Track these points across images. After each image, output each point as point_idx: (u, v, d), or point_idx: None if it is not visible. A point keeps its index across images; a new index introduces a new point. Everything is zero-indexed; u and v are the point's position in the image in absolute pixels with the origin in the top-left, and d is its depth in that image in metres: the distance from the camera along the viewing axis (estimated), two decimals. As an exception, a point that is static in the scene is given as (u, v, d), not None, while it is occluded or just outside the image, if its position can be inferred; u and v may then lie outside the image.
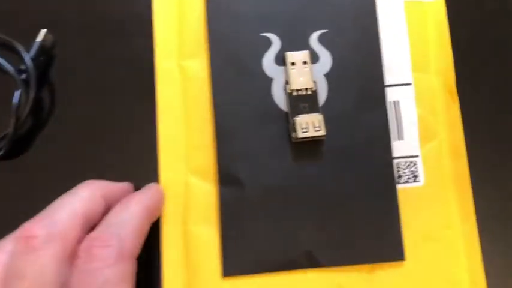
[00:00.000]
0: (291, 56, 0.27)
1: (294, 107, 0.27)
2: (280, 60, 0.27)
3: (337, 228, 0.26)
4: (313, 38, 0.28)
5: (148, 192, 0.26)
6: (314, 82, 0.27)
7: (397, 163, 0.27)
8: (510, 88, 0.29)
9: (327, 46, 0.28)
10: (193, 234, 0.27)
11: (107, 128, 0.28)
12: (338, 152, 0.27)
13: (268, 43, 0.28)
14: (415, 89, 0.28)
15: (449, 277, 0.27)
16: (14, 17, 0.29)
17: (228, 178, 0.27)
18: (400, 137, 0.28)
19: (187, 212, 0.27)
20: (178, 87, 0.28)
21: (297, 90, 0.27)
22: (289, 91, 0.27)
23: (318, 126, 0.26)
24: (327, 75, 0.27)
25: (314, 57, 0.28)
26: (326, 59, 0.28)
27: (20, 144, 0.28)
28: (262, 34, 0.28)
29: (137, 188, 0.27)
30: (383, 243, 0.26)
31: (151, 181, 0.27)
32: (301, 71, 0.27)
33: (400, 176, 0.27)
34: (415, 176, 0.27)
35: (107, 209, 0.24)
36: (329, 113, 0.27)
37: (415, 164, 0.27)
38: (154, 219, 0.25)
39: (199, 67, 0.28)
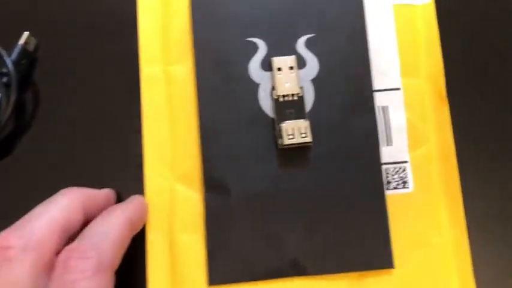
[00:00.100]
0: (277, 61, 0.27)
1: (280, 113, 0.26)
2: (267, 65, 0.27)
3: (325, 235, 0.26)
4: (300, 43, 0.27)
5: (131, 204, 0.25)
6: (301, 88, 0.27)
7: (386, 169, 0.27)
8: (500, 92, 0.28)
9: (314, 51, 0.27)
10: (178, 242, 0.26)
11: (90, 133, 0.28)
12: (325, 158, 0.27)
13: (254, 48, 0.27)
14: (404, 93, 0.28)
15: (439, 285, 0.26)
16: (-5, 20, 0.29)
17: (213, 185, 0.26)
18: (389, 142, 0.27)
19: (172, 219, 0.26)
20: (163, 93, 0.27)
21: (283, 96, 0.26)
22: (276, 97, 0.27)
23: (304, 133, 0.26)
24: (314, 81, 0.27)
25: (301, 63, 0.27)
26: (313, 64, 0.27)
27: (0, 149, 0.28)
28: (248, 39, 0.27)
29: (120, 195, 0.27)
30: (371, 251, 0.26)
31: (136, 188, 0.27)
32: (288, 76, 0.27)
33: (388, 182, 0.27)
34: (404, 182, 0.27)
35: (87, 218, 0.24)
36: (316, 119, 0.27)
37: (404, 170, 0.27)
38: (136, 231, 0.25)
39: (184, 72, 0.27)
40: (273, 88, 0.27)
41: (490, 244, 0.27)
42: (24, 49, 0.27)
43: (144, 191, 0.27)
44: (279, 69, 0.27)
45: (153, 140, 0.27)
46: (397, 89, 0.28)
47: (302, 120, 0.26)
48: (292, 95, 0.26)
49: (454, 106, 0.28)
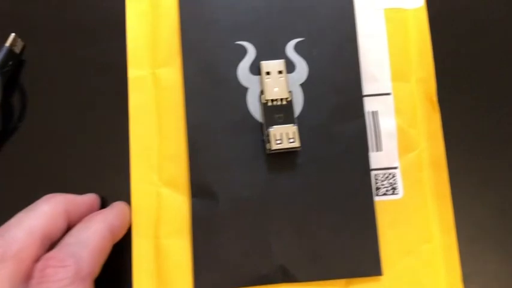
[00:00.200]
0: (266, 65, 0.26)
1: (268, 118, 0.26)
2: (256, 69, 0.27)
3: (313, 241, 0.26)
4: (290, 47, 0.27)
5: (112, 210, 0.25)
6: (290, 92, 0.26)
7: (375, 175, 0.27)
8: (491, 98, 0.28)
9: (303, 55, 0.27)
10: (165, 247, 0.26)
11: (77, 137, 0.27)
12: (314, 163, 0.26)
13: (243, 52, 0.27)
14: (394, 98, 0.27)
15: (428, 292, 0.26)
16: (-19, 22, 0.28)
17: (200, 190, 0.26)
18: (379, 148, 0.27)
19: (159, 224, 0.26)
20: (151, 96, 0.27)
21: (272, 100, 0.26)
22: (264, 101, 0.26)
23: (292, 138, 0.25)
24: (303, 85, 0.27)
25: (290, 67, 0.27)
26: (302, 69, 0.27)
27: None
28: (237, 42, 0.27)
29: (105, 201, 0.27)
30: (360, 258, 0.26)
31: (122, 192, 0.26)
32: (277, 80, 0.26)
33: (378, 188, 0.27)
34: (394, 188, 0.27)
35: (70, 224, 0.23)
36: (305, 124, 0.26)
37: (393, 176, 0.27)
38: (117, 239, 0.24)
39: (172, 75, 0.27)
40: (262, 92, 0.26)
41: (480, 252, 0.27)
42: (10, 51, 0.27)
43: (131, 196, 0.26)
44: (268, 73, 0.26)
45: (140, 143, 0.27)
46: (388, 94, 0.27)
47: (290, 125, 0.26)
48: (281, 99, 0.26)
49: (445, 112, 0.27)
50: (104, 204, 0.26)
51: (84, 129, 0.27)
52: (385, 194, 0.27)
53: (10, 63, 0.27)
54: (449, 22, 0.29)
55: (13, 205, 0.26)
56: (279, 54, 0.27)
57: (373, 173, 0.27)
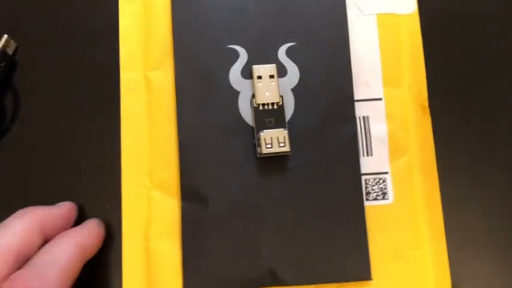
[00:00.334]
0: (258, 69, 0.26)
1: (259, 122, 0.26)
2: (247, 73, 0.27)
3: (302, 246, 0.26)
4: (281, 51, 0.27)
5: (84, 229, 0.25)
6: (281, 96, 0.26)
7: (366, 180, 0.27)
8: (483, 104, 0.28)
9: (295, 60, 0.27)
10: (155, 249, 0.26)
11: (68, 138, 0.27)
12: (305, 167, 0.26)
13: (235, 55, 0.27)
14: (385, 104, 0.27)
15: (417, 297, 0.26)
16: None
17: (190, 193, 0.26)
18: (369, 153, 0.27)
19: (149, 227, 0.26)
20: (143, 98, 0.27)
21: (263, 104, 0.26)
22: (255, 105, 0.26)
23: (283, 142, 0.25)
24: (295, 90, 0.27)
25: (282, 71, 0.27)
26: (294, 73, 0.27)
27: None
28: (229, 46, 0.27)
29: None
30: (349, 262, 0.26)
31: (113, 194, 0.26)
32: (268, 84, 0.26)
33: (368, 193, 0.27)
34: (384, 193, 0.27)
35: (45, 239, 0.23)
36: (296, 128, 0.26)
37: (384, 181, 0.27)
38: (88, 257, 0.24)
39: (165, 78, 0.27)
40: (253, 96, 0.27)
41: (470, 258, 0.27)
42: (3, 52, 0.27)
43: (121, 198, 0.26)
44: (259, 77, 0.26)
45: (131, 146, 0.27)
46: (379, 99, 0.27)
47: (281, 129, 0.26)
48: (272, 103, 0.26)
49: (436, 117, 0.28)
50: (92, 209, 0.27)
51: (75, 131, 0.28)
52: (375, 199, 0.27)
53: (2, 64, 0.27)
54: (441, 28, 0.29)
55: (4, 205, 0.27)
56: (271, 58, 0.27)
57: (363, 177, 0.27)
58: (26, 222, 0.23)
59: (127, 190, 0.26)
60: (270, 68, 0.26)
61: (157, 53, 0.27)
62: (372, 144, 0.27)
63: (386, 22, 0.28)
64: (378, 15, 0.28)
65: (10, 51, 0.28)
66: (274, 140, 0.26)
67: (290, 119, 0.27)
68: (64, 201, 0.26)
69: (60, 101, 0.28)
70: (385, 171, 0.27)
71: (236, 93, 0.27)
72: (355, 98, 0.27)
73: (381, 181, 0.27)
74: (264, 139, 0.25)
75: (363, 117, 0.27)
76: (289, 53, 0.27)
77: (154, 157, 0.27)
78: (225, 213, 0.26)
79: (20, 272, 0.21)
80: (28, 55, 0.28)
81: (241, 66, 0.27)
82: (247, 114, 0.27)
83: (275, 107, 0.26)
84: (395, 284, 0.26)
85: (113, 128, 0.27)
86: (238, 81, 0.27)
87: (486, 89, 0.28)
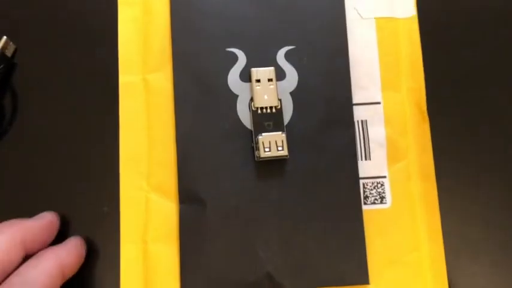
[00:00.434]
0: (256, 72, 0.26)
1: (258, 125, 0.26)
2: (246, 76, 0.27)
3: (300, 250, 0.26)
4: (280, 55, 0.27)
5: (65, 247, 0.24)
6: (279, 100, 0.26)
7: (364, 184, 0.27)
8: (481, 109, 0.28)
9: (293, 63, 0.27)
10: (152, 252, 0.26)
11: (67, 140, 0.27)
12: (303, 171, 0.26)
13: (234, 58, 0.27)
14: (384, 108, 0.27)
15: (414, 302, 0.26)
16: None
17: (188, 196, 0.26)
18: (367, 157, 0.27)
19: (147, 230, 0.26)
20: (141, 101, 0.27)
21: (262, 108, 0.26)
22: (254, 109, 0.26)
23: (281, 146, 0.25)
24: (293, 93, 0.27)
25: (280, 75, 0.27)
26: (292, 77, 0.27)
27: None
28: (228, 49, 0.27)
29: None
30: (347, 266, 0.26)
31: (111, 197, 0.26)
32: (266, 88, 0.26)
33: (366, 197, 0.27)
34: (382, 198, 0.27)
35: (27, 252, 0.23)
36: (294, 132, 0.26)
37: (382, 185, 0.27)
38: (68, 277, 0.24)
39: (163, 81, 0.27)
40: (252, 100, 0.27)
41: (467, 262, 0.27)
42: (2, 54, 0.27)
43: (119, 201, 0.26)
44: (258, 80, 0.26)
45: (130, 149, 0.27)
46: (377, 103, 0.27)
47: (279, 133, 0.26)
48: (271, 107, 0.26)
49: (434, 122, 0.28)
50: (91, 211, 0.27)
51: (74, 133, 0.28)
52: (373, 203, 0.27)
53: (1, 66, 0.27)
54: (440, 32, 0.29)
55: (4, 207, 0.27)
56: (270, 61, 0.27)
57: (361, 181, 0.27)
58: (6, 238, 0.22)
59: (125, 193, 0.26)
60: (268, 71, 0.26)
61: (156, 56, 0.27)
62: (370, 148, 0.27)
63: (385, 26, 0.28)
64: (377, 19, 0.28)
65: (9, 53, 0.28)
66: (273, 144, 0.26)
67: (288, 123, 0.27)
68: (63, 204, 0.27)
69: (58, 104, 0.28)
70: (383, 175, 0.27)
71: (234, 97, 0.27)
72: (354, 101, 0.27)
73: (379, 185, 0.27)
74: (262, 143, 0.25)
75: (361, 121, 0.27)
76: (288, 56, 0.27)
77: (152, 160, 0.27)
78: (223, 217, 0.26)
79: None
80: (27, 57, 0.28)
81: (240, 69, 0.27)
82: (245, 118, 0.27)
83: (273, 110, 0.26)
84: (392, 288, 0.26)
85: (112, 131, 0.27)
86: (237, 85, 0.27)
87: (485, 93, 0.28)
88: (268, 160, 0.26)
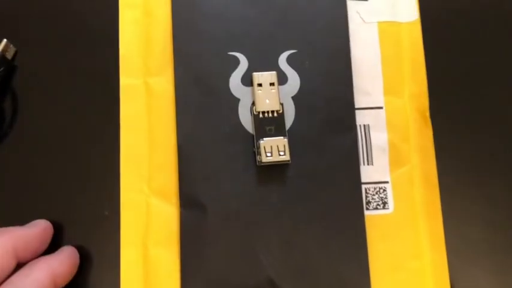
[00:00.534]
0: (258, 76, 0.26)
1: (259, 130, 0.26)
2: (248, 80, 0.27)
3: (302, 255, 0.26)
4: (282, 59, 0.27)
5: (58, 257, 0.24)
6: (281, 104, 0.26)
7: (366, 189, 0.27)
8: (485, 114, 0.28)
9: (295, 67, 0.27)
10: (153, 257, 0.26)
11: (67, 143, 0.27)
12: (305, 176, 0.26)
13: (235, 62, 0.27)
14: (386, 112, 0.27)
15: (416, 308, 0.26)
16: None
17: (189, 201, 0.26)
18: (370, 162, 0.27)
19: (147, 234, 0.26)
20: (142, 105, 0.27)
21: (263, 112, 0.26)
22: (256, 113, 0.26)
23: (283, 151, 0.25)
24: (295, 98, 0.27)
25: (282, 79, 0.27)
26: (294, 81, 0.27)
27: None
28: (229, 53, 0.27)
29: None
30: (349, 272, 0.26)
31: (112, 201, 0.26)
32: (268, 92, 0.26)
33: (368, 202, 0.27)
34: (384, 203, 0.27)
35: (19, 260, 0.23)
36: (296, 136, 0.26)
37: (384, 190, 0.27)
38: (60, 286, 0.24)
39: (164, 84, 0.27)
40: (253, 104, 0.26)
41: (470, 268, 0.27)
42: (2, 57, 0.27)
43: (120, 205, 0.26)
44: (260, 84, 0.26)
45: (130, 152, 0.27)
46: (380, 107, 0.27)
47: (281, 137, 0.26)
48: (272, 111, 0.26)
49: (437, 127, 0.27)
50: (92, 215, 0.26)
51: (74, 137, 0.27)
52: (375, 208, 0.27)
53: (2, 69, 0.27)
54: (443, 36, 0.28)
55: (4, 210, 0.27)
56: (271, 65, 0.27)
57: (363, 186, 0.27)
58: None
59: (126, 197, 0.26)
60: (270, 76, 0.26)
61: (157, 59, 0.27)
62: (373, 153, 0.27)
63: (387, 30, 0.28)
64: (379, 23, 0.28)
65: (9, 55, 0.28)
66: (274, 149, 0.25)
67: (290, 127, 0.26)
68: (63, 207, 0.26)
69: (59, 107, 0.28)
70: (385, 180, 0.27)
71: (236, 101, 0.27)
72: (356, 106, 0.27)
73: (381, 190, 0.27)
74: (264, 147, 0.25)
75: (364, 125, 0.27)
76: (290, 60, 0.27)
77: (153, 164, 0.26)
78: (224, 221, 0.26)
79: None
80: (27, 60, 0.28)
81: (242, 73, 0.27)
82: (247, 122, 0.26)
83: (275, 115, 0.26)
84: (394, 295, 0.26)
85: (112, 134, 0.27)
86: (239, 89, 0.27)
87: (488, 98, 0.28)
88: (270, 164, 0.26)
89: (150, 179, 0.26)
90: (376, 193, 0.27)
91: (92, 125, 0.27)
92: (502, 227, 0.27)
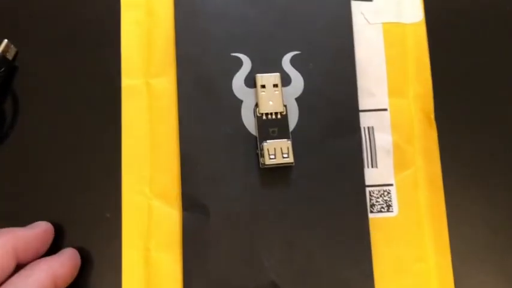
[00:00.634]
0: (261, 78, 0.26)
1: (262, 131, 0.26)
2: (251, 82, 0.26)
3: (305, 258, 0.25)
4: (286, 60, 0.27)
5: (59, 258, 0.24)
6: (285, 106, 0.26)
7: (370, 191, 0.26)
8: (490, 116, 0.28)
9: (299, 69, 0.27)
10: (155, 259, 0.26)
11: (68, 144, 0.27)
12: (308, 178, 0.26)
13: (238, 64, 0.27)
14: (391, 114, 0.27)
15: (421, 311, 0.26)
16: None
17: (192, 203, 0.26)
18: (374, 164, 0.27)
19: (149, 237, 0.26)
20: (144, 106, 0.27)
21: (267, 114, 0.26)
22: (259, 114, 0.26)
23: (286, 153, 0.25)
24: (299, 99, 0.26)
25: (286, 80, 0.26)
26: (298, 82, 0.27)
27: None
28: (232, 54, 0.27)
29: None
30: (353, 275, 0.25)
31: (113, 203, 0.26)
32: (272, 94, 0.26)
33: (372, 205, 0.26)
34: (389, 206, 0.26)
35: (20, 261, 0.23)
36: (300, 139, 0.26)
37: (388, 193, 0.26)
38: (62, 287, 0.24)
39: (166, 85, 0.27)
40: (257, 105, 0.26)
41: (474, 271, 0.26)
42: (3, 57, 0.27)
43: (122, 207, 0.26)
44: (263, 86, 0.26)
45: (132, 154, 0.26)
46: (384, 109, 0.27)
47: (285, 140, 0.25)
48: (276, 113, 0.26)
49: (442, 129, 0.27)
50: (94, 218, 0.26)
51: (76, 138, 0.27)
52: (380, 211, 0.26)
53: (2, 69, 0.27)
54: (447, 37, 0.28)
55: (4, 212, 0.26)
56: (275, 67, 0.27)
57: (368, 189, 0.26)
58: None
59: (127, 199, 0.26)
60: (273, 77, 0.26)
61: (159, 60, 0.27)
62: (377, 156, 0.27)
63: (392, 31, 0.28)
64: (384, 24, 0.28)
65: (10, 56, 0.27)
66: (278, 151, 0.25)
67: (294, 129, 0.26)
68: (64, 210, 0.26)
69: (60, 108, 0.27)
70: (390, 183, 0.27)
71: (239, 102, 0.26)
72: (360, 108, 0.27)
73: (385, 193, 0.26)
74: (267, 150, 0.25)
75: (368, 127, 0.27)
76: (293, 61, 0.27)
77: (155, 166, 0.26)
78: (226, 224, 0.25)
79: None
80: (28, 60, 0.28)
81: (245, 74, 0.26)
82: (250, 124, 0.26)
83: (279, 116, 0.26)
84: (398, 298, 0.26)
85: (114, 136, 0.27)
86: (242, 90, 0.26)
87: (494, 100, 0.28)
88: (273, 167, 0.26)
89: (152, 180, 0.26)
90: (381, 196, 0.26)
91: (93, 126, 0.27)
92: (508, 230, 0.27)
